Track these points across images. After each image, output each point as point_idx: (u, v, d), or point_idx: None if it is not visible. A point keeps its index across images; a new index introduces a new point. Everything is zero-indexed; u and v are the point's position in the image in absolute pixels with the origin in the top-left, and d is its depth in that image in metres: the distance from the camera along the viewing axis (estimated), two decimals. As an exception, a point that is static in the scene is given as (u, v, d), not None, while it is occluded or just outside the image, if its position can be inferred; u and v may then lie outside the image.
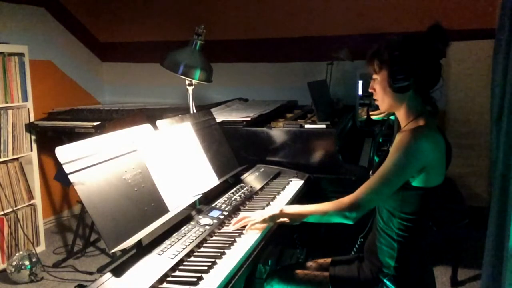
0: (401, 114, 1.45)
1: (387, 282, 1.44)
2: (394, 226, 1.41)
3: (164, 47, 2.33)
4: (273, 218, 1.52)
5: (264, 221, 1.53)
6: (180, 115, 1.96)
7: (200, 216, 1.64)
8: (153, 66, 3.04)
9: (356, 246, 1.88)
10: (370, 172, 1.55)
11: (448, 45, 1.38)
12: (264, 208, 1.78)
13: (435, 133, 1.37)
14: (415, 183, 1.36)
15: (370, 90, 1.49)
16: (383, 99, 1.44)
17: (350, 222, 1.38)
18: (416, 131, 1.33)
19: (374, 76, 1.44)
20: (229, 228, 1.58)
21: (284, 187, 2.10)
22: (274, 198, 1.94)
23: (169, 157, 1.70)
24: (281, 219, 1.52)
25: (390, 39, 1.40)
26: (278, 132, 2.51)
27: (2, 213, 2.94)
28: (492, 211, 2.04)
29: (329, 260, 1.67)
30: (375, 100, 1.49)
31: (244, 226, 1.56)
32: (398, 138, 1.36)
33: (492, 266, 2.04)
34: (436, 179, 1.38)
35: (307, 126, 2.49)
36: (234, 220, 1.62)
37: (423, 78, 1.36)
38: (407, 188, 1.36)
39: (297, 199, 2.02)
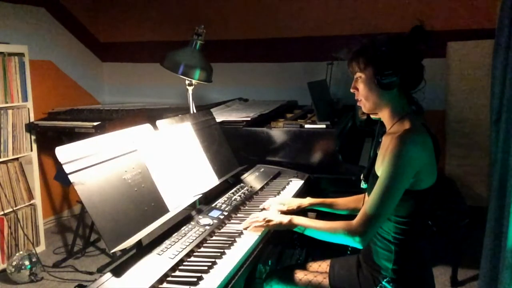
0: (385, 115, 1.43)
1: (386, 285, 1.43)
2: (390, 229, 1.40)
3: (164, 47, 2.33)
4: (280, 226, 1.51)
5: (269, 226, 1.53)
6: (180, 115, 1.96)
7: (200, 216, 1.64)
8: (153, 66, 3.04)
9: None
10: (362, 176, 1.55)
11: (430, 46, 1.36)
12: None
13: (422, 134, 1.35)
14: (408, 187, 1.33)
15: (352, 90, 1.46)
16: (367, 98, 1.41)
17: (360, 247, 1.34)
18: (403, 138, 1.30)
19: (358, 75, 1.41)
20: (240, 225, 1.59)
21: (284, 187, 2.10)
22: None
23: (169, 157, 1.70)
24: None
25: (374, 38, 1.39)
26: (278, 132, 2.51)
27: (2, 213, 2.94)
28: (491, 211, 2.05)
29: (328, 260, 1.67)
30: (358, 100, 1.46)
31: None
32: (387, 147, 1.34)
33: (490, 266, 2.04)
34: (428, 181, 1.36)
35: (307, 126, 2.49)
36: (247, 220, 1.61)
37: (408, 77, 1.36)
38: None
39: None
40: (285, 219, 1.51)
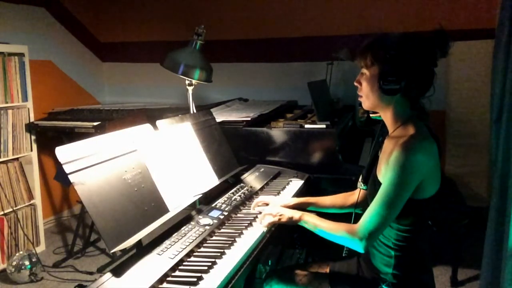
0: (387, 117, 1.39)
1: None
2: (391, 236, 1.38)
3: (164, 47, 2.33)
4: (290, 220, 1.51)
5: (281, 220, 1.53)
6: (180, 115, 1.96)
7: (200, 216, 1.64)
8: (153, 66, 3.04)
9: None
10: (361, 178, 1.55)
11: (447, 53, 1.30)
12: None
13: (427, 140, 1.30)
14: (412, 196, 1.30)
15: (355, 84, 1.41)
16: (368, 97, 1.37)
17: (361, 251, 1.33)
18: (408, 145, 1.26)
19: (363, 71, 1.37)
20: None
21: (284, 187, 2.10)
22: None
23: (169, 157, 1.70)
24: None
25: (388, 35, 1.34)
26: (278, 132, 2.51)
27: (2, 213, 2.94)
28: (492, 211, 2.04)
29: (328, 261, 1.67)
30: (359, 96, 1.41)
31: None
32: (389, 152, 1.31)
33: (492, 266, 2.04)
34: (433, 188, 1.34)
35: (307, 126, 2.49)
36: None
37: (414, 84, 1.30)
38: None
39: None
40: (297, 214, 1.50)
